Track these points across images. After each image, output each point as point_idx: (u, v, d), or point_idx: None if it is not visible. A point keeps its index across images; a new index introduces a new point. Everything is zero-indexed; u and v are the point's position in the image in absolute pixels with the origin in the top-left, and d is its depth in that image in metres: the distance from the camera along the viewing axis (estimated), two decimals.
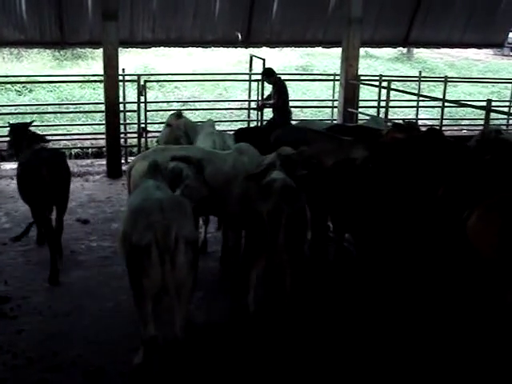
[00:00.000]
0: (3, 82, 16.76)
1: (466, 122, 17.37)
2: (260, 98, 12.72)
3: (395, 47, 19.49)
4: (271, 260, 5.46)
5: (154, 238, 4.60)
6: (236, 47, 14.65)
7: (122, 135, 12.83)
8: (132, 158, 12.61)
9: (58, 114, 15.56)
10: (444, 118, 14.94)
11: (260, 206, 5.37)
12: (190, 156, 6.36)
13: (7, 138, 8.21)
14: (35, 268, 7.31)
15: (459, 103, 16.21)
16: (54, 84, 18.11)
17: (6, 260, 7.55)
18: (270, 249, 5.35)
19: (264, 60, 12.44)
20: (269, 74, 12.12)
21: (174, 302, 4.82)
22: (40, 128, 14.45)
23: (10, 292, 6.67)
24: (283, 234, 5.31)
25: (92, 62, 22.14)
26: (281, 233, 5.30)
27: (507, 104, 16.88)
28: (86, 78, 17.80)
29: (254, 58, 13.34)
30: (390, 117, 12.39)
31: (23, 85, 18.09)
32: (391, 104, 12.86)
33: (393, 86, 12.15)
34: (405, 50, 25.95)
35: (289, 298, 5.65)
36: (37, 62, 22.68)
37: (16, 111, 14.95)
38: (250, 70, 13.75)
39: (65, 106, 16.33)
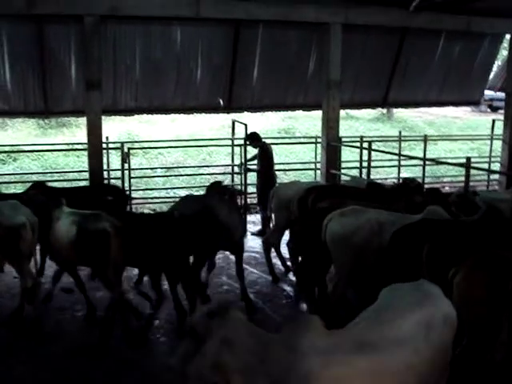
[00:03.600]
0: None
1: (448, 179, 17.58)
2: (243, 161, 12.84)
3: (374, 108, 19.82)
4: None
5: (26, 218, 7.31)
6: (218, 113, 14.82)
7: None
8: None
9: None
10: (426, 175, 15.13)
11: None
12: None
13: None
14: (17, 340, 7.22)
15: (439, 162, 16.45)
16: (38, 152, 18.23)
17: None
18: None
19: (246, 125, 12.61)
20: (253, 138, 12.29)
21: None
22: None
23: None
24: None
25: (76, 130, 22.37)
26: None
27: (487, 160, 17.11)
28: (70, 146, 17.92)
29: (236, 122, 13.51)
30: (372, 176, 12.53)
31: (7, 153, 18.21)
32: (373, 164, 13.02)
33: (374, 146, 12.35)
34: (385, 110, 26.41)
35: None
36: (21, 130, 22.89)
37: (0, 180, 14.98)
38: (233, 134, 13.92)
39: (49, 174, 16.39)
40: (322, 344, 3.67)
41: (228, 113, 14.36)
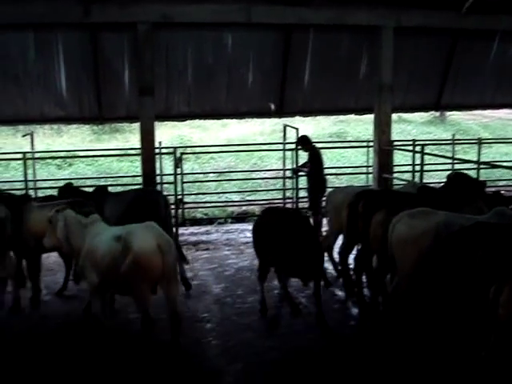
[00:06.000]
0: (44, 158, 17.23)
1: (503, 183, 17.25)
2: (295, 166, 12.82)
3: (427, 111, 19.57)
4: None
5: None
6: (269, 117, 14.86)
7: None
8: None
9: None
10: (480, 179, 14.86)
11: None
12: None
13: None
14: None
15: (494, 165, 16.15)
16: (92, 158, 18.57)
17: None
18: None
19: (297, 129, 12.61)
20: (304, 142, 12.26)
21: None
22: None
23: None
24: None
25: (129, 135, 22.69)
26: None
27: None
28: (124, 152, 18.22)
29: (287, 127, 13.52)
30: (425, 180, 12.37)
31: (63, 159, 18.60)
32: (426, 168, 12.86)
33: (427, 150, 12.17)
34: (437, 113, 26.06)
35: None
36: (76, 136, 23.35)
37: (56, 185, 15.27)
38: (284, 139, 13.94)
39: (103, 179, 16.66)
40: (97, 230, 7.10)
41: (279, 117, 14.35)
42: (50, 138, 22.44)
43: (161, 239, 6.70)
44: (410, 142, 13.74)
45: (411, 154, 12.80)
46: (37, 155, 14.36)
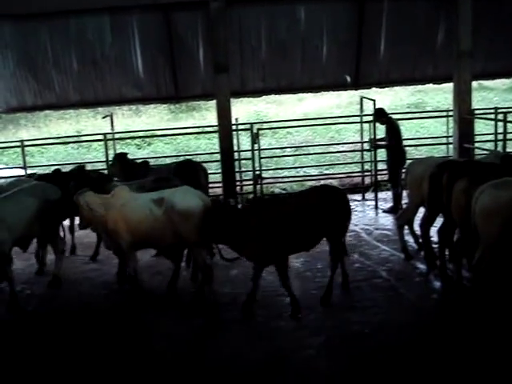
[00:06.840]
0: (124, 138, 17.59)
1: None
2: (372, 138, 12.64)
3: (509, 77, 18.90)
4: None
5: None
6: (346, 90, 14.70)
7: (238, 183, 13.13)
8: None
9: None
10: None
11: None
12: None
13: None
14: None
15: None
16: (170, 136, 18.83)
17: None
18: None
19: (374, 101, 12.40)
20: (380, 115, 12.10)
21: None
22: None
23: None
24: None
25: (206, 113, 22.88)
26: None
27: None
28: (201, 129, 18.40)
29: (364, 99, 13.34)
30: (508, 149, 12.00)
31: (142, 139, 18.95)
32: (509, 136, 12.47)
33: (510, 118, 11.80)
34: None
35: None
36: (154, 116, 23.73)
37: None
38: (361, 111, 13.75)
39: (182, 156, 16.88)
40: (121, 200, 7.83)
41: (356, 89, 14.19)
42: (128, 119, 22.88)
43: (202, 197, 7.72)
44: (492, 110, 13.32)
45: (493, 122, 12.40)
46: (117, 136, 14.66)
